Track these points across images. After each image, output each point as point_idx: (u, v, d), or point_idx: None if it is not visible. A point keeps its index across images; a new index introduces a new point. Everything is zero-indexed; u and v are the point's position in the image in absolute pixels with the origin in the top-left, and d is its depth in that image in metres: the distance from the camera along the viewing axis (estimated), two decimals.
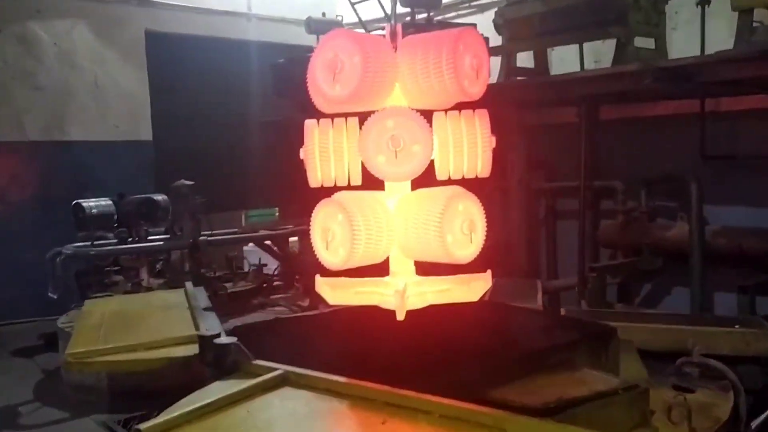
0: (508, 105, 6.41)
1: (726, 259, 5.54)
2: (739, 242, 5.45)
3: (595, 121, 6.78)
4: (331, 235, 3.05)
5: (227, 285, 6.56)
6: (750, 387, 4.11)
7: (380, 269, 3.23)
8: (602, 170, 6.71)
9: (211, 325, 3.80)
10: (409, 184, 3.18)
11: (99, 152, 8.85)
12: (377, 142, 2.93)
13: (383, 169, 2.97)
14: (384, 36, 3.18)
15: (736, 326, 4.30)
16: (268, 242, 7.22)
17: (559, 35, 6.03)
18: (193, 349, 3.49)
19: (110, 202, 7.25)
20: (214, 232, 6.93)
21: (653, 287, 6.56)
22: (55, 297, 6.24)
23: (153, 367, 3.68)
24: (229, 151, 9.15)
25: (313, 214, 3.09)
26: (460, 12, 8.64)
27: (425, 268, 3.26)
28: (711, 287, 5.68)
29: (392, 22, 3.20)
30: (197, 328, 3.80)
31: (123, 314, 4.59)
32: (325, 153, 3.16)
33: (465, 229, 3.00)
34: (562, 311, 4.66)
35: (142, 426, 2.48)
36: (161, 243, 6.75)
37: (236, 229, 7.42)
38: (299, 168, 3.27)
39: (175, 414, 2.63)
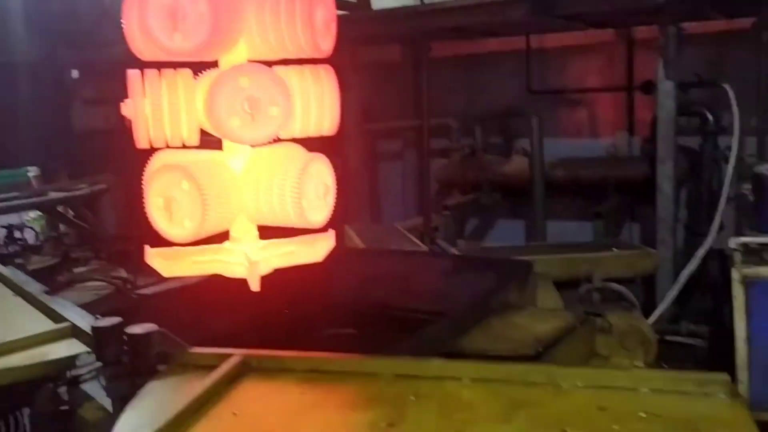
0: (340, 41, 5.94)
1: (563, 189, 5.82)
2: (576, 172, 5.76)
3: (425, 59, 6.62)
4: (176, 206, 2.52)
5: (18, 261, 5.23)
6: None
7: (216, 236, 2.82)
8: (435, 109, 6.62)
9: (76, 311, 2.88)
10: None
11: None
12: (230, 103, 2.44)
13: (238, 134, 2.50)
14: None
15: (614, 249, 4.51)
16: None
17: None
18: (67, 348, 2.60)
19: None
20: None
21: (485, 221, 6.73)
22: None
23: (19, 378, 2.67)
24: None
25: (146, 181, 2.53)
26: None
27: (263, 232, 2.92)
28: (549, 217, 5.95)
29: None
30: (61, 318, 2.83)
31: None
32: (158, 111, 2.57)
33: (319, 192, 2.68)
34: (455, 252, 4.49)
35: None
36: None
37: (16, 194, 5.96)
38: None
39: None
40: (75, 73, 8.07)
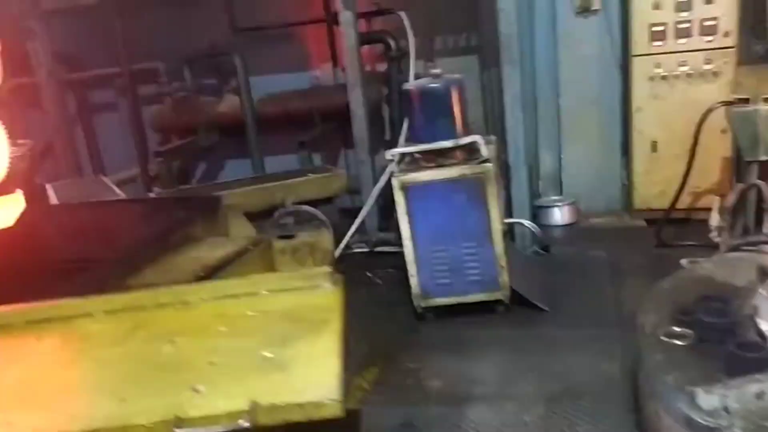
0: None
1: (277, 124, 6.00)
2: (285, 106, 5.95)
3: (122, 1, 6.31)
4: None
5: None
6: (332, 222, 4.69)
7: None
8: (140, 53, 6.38)
9: None
10: None
11: None
12: None
13: None
14: None
15: (309, 175, 4.80)
16: None
17: None
18: None
19: None
20: None
21: (213, 163, 6.75)
22: None
23: None
24: None
25: None
26: None
27: None
28: (269, 152, 6.12)
29: None
30: None
31: None
32: None
33: None
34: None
35: None
36: None
37: None
38: None
39: None
40: None
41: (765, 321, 2.42)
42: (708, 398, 2.16)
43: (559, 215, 5.44)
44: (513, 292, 3.97)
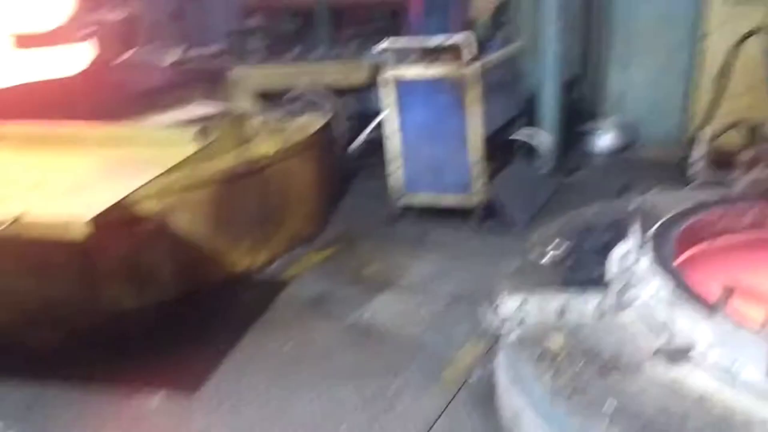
0: None
1: (350, 16, 6.13)
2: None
3: None
4: None
5: None
6: (351, 114, 4.85)
7: None
8: None
9: None
10: None
11: None
12: None
13: None
14: None
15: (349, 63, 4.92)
16: None
17: None
18: None
19: None
20: None
21: (289, 47, 7.04)
22: None
23: None
24: None
25: None
26: None
27: None
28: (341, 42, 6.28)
29: None
30: None
31: None
32: None
33: None
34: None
35: None
36: None
37: None
38: None
39: None
40: None
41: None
42: (507, 304, 2.16)
43: (604, 141, 5.14)
44: (494, 201, 3.94)
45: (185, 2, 7.59)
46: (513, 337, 2.07)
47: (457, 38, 3.70)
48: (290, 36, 6.71)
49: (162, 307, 3.09)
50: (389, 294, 3.28)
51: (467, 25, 3.92)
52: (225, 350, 2.85)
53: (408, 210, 4.17)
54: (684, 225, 2.33)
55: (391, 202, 4.16)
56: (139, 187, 2.11)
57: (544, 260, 2.47)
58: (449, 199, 4.01)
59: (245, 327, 3.03)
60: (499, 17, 4.56)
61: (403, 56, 3.93)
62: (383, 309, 3.15)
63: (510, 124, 4.42)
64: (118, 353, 2.81)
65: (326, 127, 4.20)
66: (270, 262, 3.64)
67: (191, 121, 3.44)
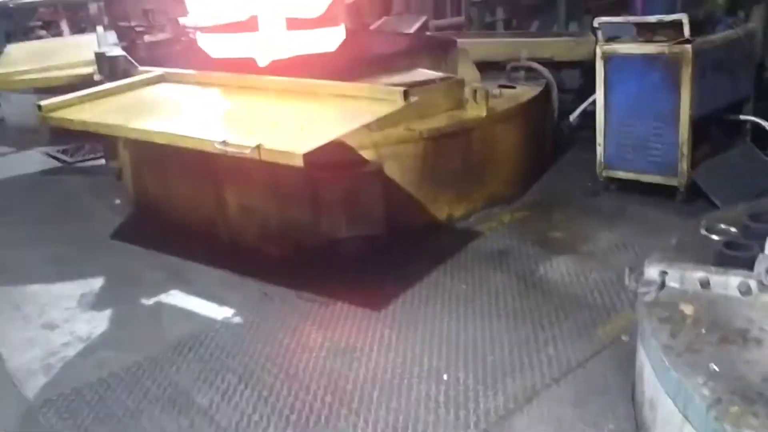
0: None
1: None
2: None
3: None
4: None
5: (146, 36, 7.03)
6: (571, 87, 5.01)
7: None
8: None
9: (110, 47, 4.46)
10: None
11: None
12: None
13: None
14: None
15: (568, 38, 5.08)
16: None
17: None
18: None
19: None
20: None
21: (527, 21, 7.22)
22: None
23: (63, 83, 4.43)
24: None
25: None
26: None
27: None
28: (577, 16, 6.34)
29: None
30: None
31: (41, 50, 5.22)
32: None
33: None
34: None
35: (43, 103, 3.26)
36: None
37: None
38: None
39: (72, 96, 3.40)
40: None
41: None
42: (650, 271, 2.32)
43: None
44: (699, 183, 3.91)
45: None
46: (648, 298, 2.24)
47: (678, 15, 3.70)
48: (531, 9, 6.94)
49: (371, 240, 3.68)
50: (568, 257, 3.51)
51: (696, 3, 3.86)
52: (413, 282, 3.35)
53: (612, 183, 4.27)
54: None
55: (594, 175, 4.30)
56: (346, 133, 2.64)
57: (707, 237, 2.55)
58: (653, 177, 4.05)
59: (435, 266, 3.49)
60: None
61: (622, 32, 4.01)
62: (557, 268, 3.39)
63: (737, 106, 4.26)
64: (330, 270, 3.45)
65: (539, 97, 4.44)
66: (468, 215, 4.04)
67: (412, 84, 3.95)
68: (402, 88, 2.97)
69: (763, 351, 1.94)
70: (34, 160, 5.87)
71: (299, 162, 2.44)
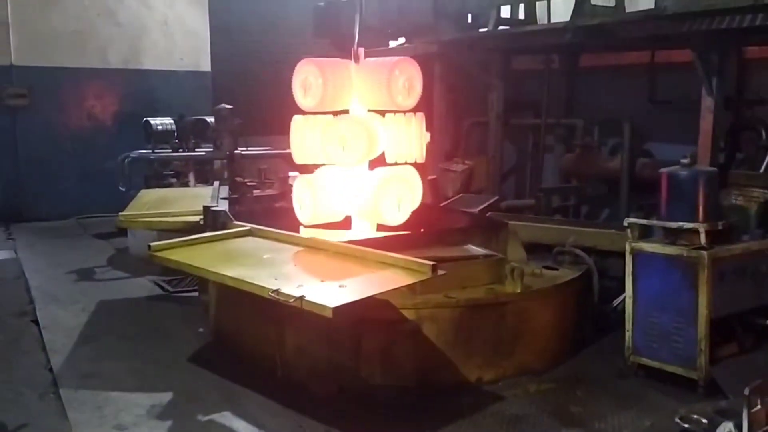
0: (491, 52, 7.63)
1: (650, 187, 6.65)
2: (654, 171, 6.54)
3: (569, 67, 7.92)
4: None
5: (255, 190, 8.18)
6: (615, 275, 5.43)
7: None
8: (574, 109, 7.87)
9: (217, 202, 5.43)
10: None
11: (166, 80, 10.65)
12: (328, 138, 4.71)
13: (334, 158, 4.78)
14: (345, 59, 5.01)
15: (613, 230, 5.55)
16: None
17: None
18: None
19: (172, 121, 9.02)
20: (248, 147, 8.58)
21: (593, 209, 7.77)
22: (124, 190, 8.08)
23: (176, 227, 5.38)
24: (272, 83, 10.67)
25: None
26: None
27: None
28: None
29: (355, 47, 4.89)
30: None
31: (165, 197, 6.32)
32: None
33: (394, 202, 4.76)
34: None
35: (152, 244, 4.12)
36: (203, 153, 8.48)
37: (268, 147, 9.04)
38: None
39: (176, 240, 4.25)
40: None
41: None
42: None
43: None
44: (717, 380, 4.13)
45: (525, 160, 9.01)
46: None
47: (695, 225, 4.15)
48: (597, 199, 7.52)
49: (403, 390, 4.14)
50: (577, 429, 3.80)
51: (718, 213, 4.31)
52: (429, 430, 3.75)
53: (641, 369, 4.54)
54: None
55: (623, 360, 4.60)
56: (374, 294, 3.24)
57: (677, 423, 2.85)
58: (675, 368, 4.30)
59: (454, 420, 3.88)
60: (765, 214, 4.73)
61: (650, 232, 4.48)
62: None
63: (764, 309, 4.51)
64: (365, 411, 3.93)
65: (577, 280, 4.90)
66: (496, 380, 4.41)
67: (454, 258, 4.56)
68: (432, 263, 3.57)
69: None
70: (144, 286, 6.82)
71: (329, 314, 3.04)
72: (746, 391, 2.73)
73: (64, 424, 3.92)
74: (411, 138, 4.95)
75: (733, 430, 2.61)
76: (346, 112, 5.02)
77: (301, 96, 4.94)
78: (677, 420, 2.90)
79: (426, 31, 8.02)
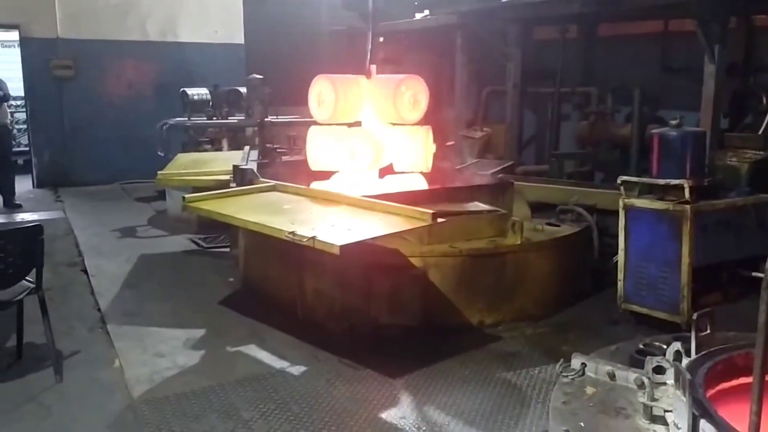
0: (509, 22, 7.93)
1: None
2: None
3: (587, 36, 8.16)
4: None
5: (284, 156, 8.64)
6: (616, 233, 5.77)
7: None
8: (590, 78, 8.13)
9: (247, 162, 5.90)
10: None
11: (202, 51, 11.16)
12: (339, 149, 5.17)
13: (345, 168, 5.25)
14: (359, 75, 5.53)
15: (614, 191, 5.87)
16: None
17: None
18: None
19: (207, 91, 9.53)
20: (278, 116, 9.05)
21: (607, 174, 8.04)
22: (162, 155, 8.65)
23: (208, 184, 5.88)
24: (302, 54, 11.11)
25: None
26: None
27: None
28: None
29: (367, 65, 5.42)
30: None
31: (199, 159, 6.84)
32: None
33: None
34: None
35: (186, 196, 4.62)
36: (236, 121, 8.99)
37: (297, 116, 9.49)
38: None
39: (207, 194, 4.74)
40: None
41: None
42: (575, 360, 3.07)
43: None
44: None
45: (545, 128, 9.29)
46: (564, 380, 2.98)
47: (680, 181, 4.48)
48: (609, 164, 7.80)
49: (409, 329, 4.59)
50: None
51: (703, 173, 4.62)
52: (430, 362, 4.20)
53: (632, 315, 4.91)
54: None
55: (615, 308, 4.97)
56: (374, 237, 3.68)
57: (639, 349, 3.24)
58: (661, 314, 4.67)
59: (453, 355, 4.32)
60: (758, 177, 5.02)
61: (642, 189, 4.82)
62: (547, 369, 4.11)
63: (751, 262, 4.81)
64: (372, 346, 4.40)
65: (576, 236, 5.27)
66: (496, 324, 4.83)
67: (462, 212, 4.96)
68: (432, 211, 3.99)
69: (626, 422, 2.61)
70: (181, 243, 7.38)
71: (336, 251, 3.50)
72: (694, 316, 3.10)
73: (111, 351, 4.48)
74: (417, 149, 5.42)
75: (680, 348, 2.98)
76: (359, 123, 5.47)
77: (315, 108, 5.42)
78: (640, 345, 3.28)
79: (447, 2, 8.34)
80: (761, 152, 5.36)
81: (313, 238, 3.58)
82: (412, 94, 5.33)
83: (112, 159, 10.79)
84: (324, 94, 5.32)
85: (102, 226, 8.10)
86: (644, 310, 4.79)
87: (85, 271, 6.27)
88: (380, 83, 5.40)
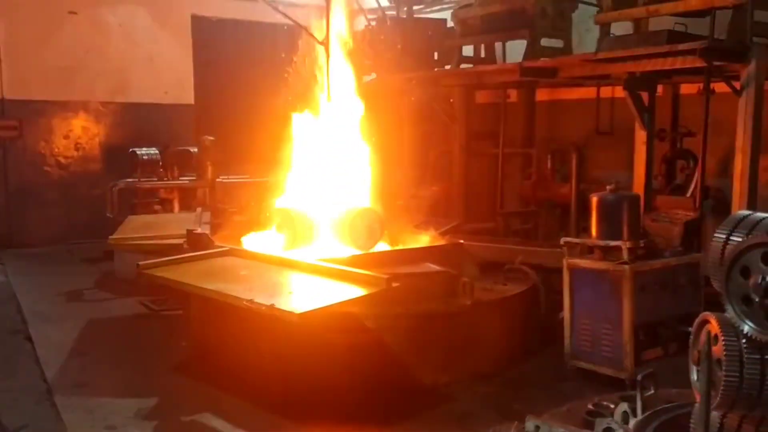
0: (455, 88, 8.30)
1: None
2: None
3: (527, 101, 8.59)
4: None
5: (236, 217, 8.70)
6: (560, 289, 6.00)
7: None
8: (532, 139, 8.54)
9: (200, 227, 5.95)
10: None
11: (152, 112, 11.20)
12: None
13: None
14: None
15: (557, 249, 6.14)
16: None
17: (489, 34, 7.81)
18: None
19: (157, 151, 9.56)
20: (229, 176, 9.16)
21: (550, 232, 8.38)
22: (111, 216, 8.58)
23: (160, 249, 5.89)
24: (251, 115, 11.25)
25: None
26: (443, 6, 10.43)
27: None
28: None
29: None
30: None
31: (151, 222, 6.84)
32: None
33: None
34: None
35: (141, 263, 4.63)
36: (187, 182, 9.04)
37: (247, 176, 9.61)
38: None
39: (162, 260, 4.77)
40: None
41: None
42: (529, 423, 3.20)
43: None
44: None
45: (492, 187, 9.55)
46: None
47: (617, 243, 4.75)
48: (552, 222, 8.13)
49: (364, 391, 4.65)
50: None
51: (639, 234, 4.92)
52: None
53: (579, 371, 5.09)
54: None
55: (564, 363, 5.16)
56: (332, 304, 3.78)
57: (589, 410, 3.40)
58: (606, 370, 4.86)
59: (406, 420, 4.40)
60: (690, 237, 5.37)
61: (583, 250, 5.08)
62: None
63: (686, 318, 5.08)
64: (332, 411, 4.44)
65: (523, 294, 5.47)
66: (450, 383, 4.95)
67: (415, 275, 5.11)
68: (386, 276, 4.12)
69: None
70: (130, 306, 7.27)
71: (296, 319, 3.58)
72: (638, 377, 3.29)
73: (59, 425, 4.38)
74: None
75: (627, 409, 3.16)
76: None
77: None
78: (589, 406, 3.44)
79: (395, 67, 8.67)
80: (691, 213, 5.71)
81: (272, 306, 3.65)
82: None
83: (58, 220, 10.61)
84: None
85: (47, 289, 7.93)
86: (590, 367, 4.98)
87: (30, 339, 6.12)
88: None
